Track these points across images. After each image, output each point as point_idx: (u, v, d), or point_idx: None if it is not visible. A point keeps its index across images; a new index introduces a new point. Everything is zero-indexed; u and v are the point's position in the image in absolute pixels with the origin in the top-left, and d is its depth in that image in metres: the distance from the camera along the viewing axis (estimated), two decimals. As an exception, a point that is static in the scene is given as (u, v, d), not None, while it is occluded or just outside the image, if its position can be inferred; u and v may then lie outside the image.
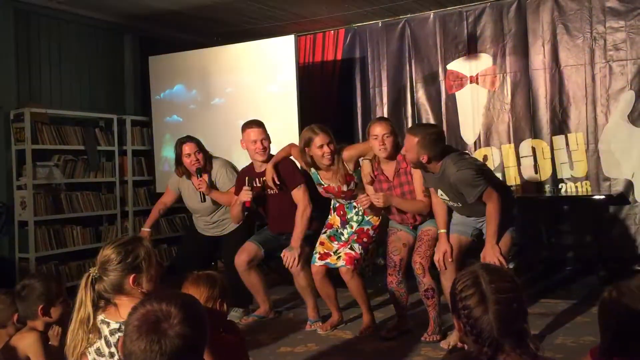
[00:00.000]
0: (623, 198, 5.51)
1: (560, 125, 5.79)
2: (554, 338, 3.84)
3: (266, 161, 4.42)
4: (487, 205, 3.52)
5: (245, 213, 4.46)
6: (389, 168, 4.00)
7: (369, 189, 4.07)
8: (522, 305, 1.61)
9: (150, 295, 1.65)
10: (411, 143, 3.56)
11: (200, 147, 4.65)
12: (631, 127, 5.49)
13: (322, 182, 4.26)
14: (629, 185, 5.52)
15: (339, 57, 6.90)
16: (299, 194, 4.31)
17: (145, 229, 4.91)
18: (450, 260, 3.66)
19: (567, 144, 5.76)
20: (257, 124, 4.50)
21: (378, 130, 3.90)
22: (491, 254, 3.49)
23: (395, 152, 3.94)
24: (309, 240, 4.30)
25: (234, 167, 4.86)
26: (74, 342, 2.02)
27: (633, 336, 1.67)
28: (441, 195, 3.70)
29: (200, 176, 4.59)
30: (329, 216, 4.38)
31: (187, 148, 4.61)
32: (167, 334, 1.45)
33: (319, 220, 4.40)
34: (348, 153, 4.14)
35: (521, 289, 1.64)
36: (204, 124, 6.27)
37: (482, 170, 3.60)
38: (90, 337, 2.02)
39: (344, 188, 4.19)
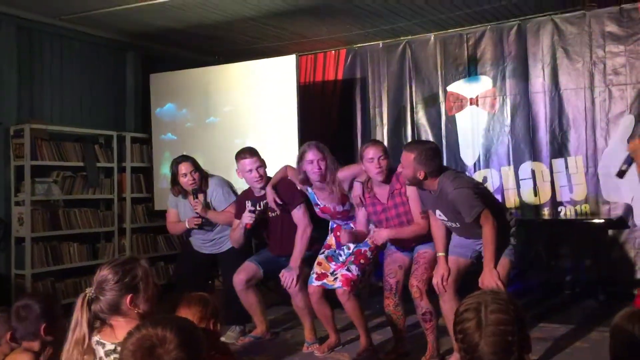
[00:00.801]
0: (622, 222, 5.50)
1: (559, 148, 5.80)
2: (554, 363, 3.81)
3: (264, 187, 4.40)
4: (483, 228, 3.48)
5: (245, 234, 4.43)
6: (382, 191, 3.96)
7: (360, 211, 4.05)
8: (521, 337, 1.58)
9: (147, 320, 1.63)
10: (408, 159, 3.56)
11: (196, 167, 4.65)
12: (631, 151, 5.49)
13: (319, 202, 4.24)
14: (629, 209, 5.50)
15: (340, 77, 6.92)
16: (298, 214, 4.29)
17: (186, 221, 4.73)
18: (445, 283, 3.63)
19: (566, 167, 5.76)
20: (250, 152, 4.43)
21: (372, 152, 3.87)
22: (489, 279, 3.45)
23: (389, 174, 3.92)
24: (309, 261, 4.27)
25: (230, 186, 4.84)
26: (68, 363, 2.00)
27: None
28: (439, 215, 3.68)
29: (196, 197, 4.58)
30: (327, 237, 4.36)
31: (184, 168, 4.60)
32: (163, 359, 1.43)
33: (319, 241, 4.37)
34: (342, 174, 4.13)
35: (524, 321, 1.62)
36: (202, 143, 6.27)
37: (478, 189, 3.60)
38: (85, 358, 1.99)
39: (340, 209, 4.18)
